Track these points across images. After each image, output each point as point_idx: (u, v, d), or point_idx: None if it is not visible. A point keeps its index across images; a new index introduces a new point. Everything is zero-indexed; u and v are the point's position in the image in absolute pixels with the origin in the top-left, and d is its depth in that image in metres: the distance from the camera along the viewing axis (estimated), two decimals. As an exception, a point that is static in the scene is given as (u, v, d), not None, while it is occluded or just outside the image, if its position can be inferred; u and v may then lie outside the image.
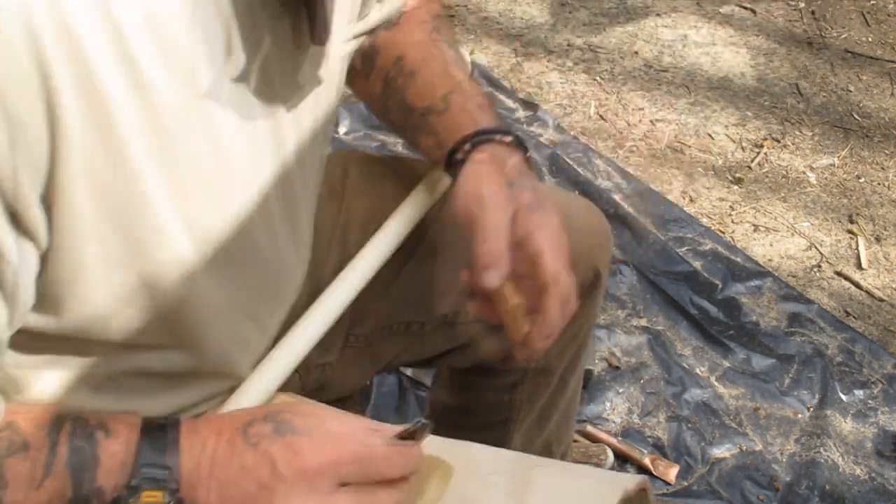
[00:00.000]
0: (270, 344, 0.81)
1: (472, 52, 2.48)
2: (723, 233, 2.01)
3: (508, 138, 0.82)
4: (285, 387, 0.80)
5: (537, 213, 0.77)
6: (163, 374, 0.72)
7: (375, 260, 0.85)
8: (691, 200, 2.10)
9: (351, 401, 1.04)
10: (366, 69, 0.94)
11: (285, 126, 0.70)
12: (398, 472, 0.61)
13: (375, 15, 0.91)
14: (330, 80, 0.77)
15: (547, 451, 1.15)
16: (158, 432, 0.59)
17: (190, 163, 0.61)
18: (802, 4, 2.79)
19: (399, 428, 0.64)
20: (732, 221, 2.05)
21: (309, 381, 0.93)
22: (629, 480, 0.71)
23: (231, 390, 0.77)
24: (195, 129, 0.60)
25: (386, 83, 0.92)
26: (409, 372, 1.64)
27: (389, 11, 0.92)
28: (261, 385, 0.77)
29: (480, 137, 0.82)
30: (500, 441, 1.10)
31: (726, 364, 1.74)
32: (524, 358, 0.79)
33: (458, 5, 2.71)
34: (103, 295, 0.61)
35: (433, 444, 0.77)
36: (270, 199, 0.71)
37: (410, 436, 0.64)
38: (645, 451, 1.56)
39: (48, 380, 0.65)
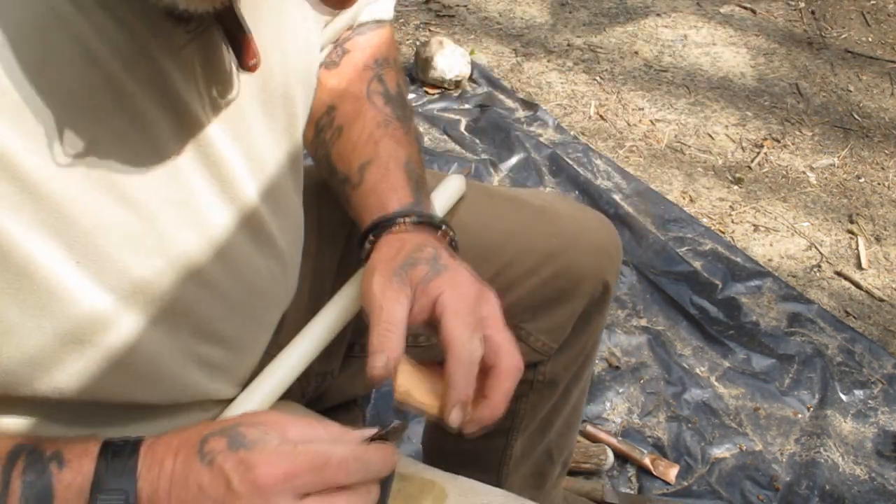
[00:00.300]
0: (259, 361, 0.81)
1: (472, 53, 2.48)
2: (723, 233, 2.01)
3: (410, 219, 0.80)
4: (285, 395, 0.80)
5: (437, 279, 0.74)
6: (137, 407, 0.72)
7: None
8: (691, 200, 2.10)
9: (353, 404, 1.04)
10: None
11: (218, 154, 0.68)
12: (358, 476, 0.60)
13: (329, 30, 0.89)
14: (283, 95, 0.75)
15: (548, 458, 1.15)
16: (116, 457, 0.58)
17: (90, 222, 0.59)
18: (802, 4, 2.79)
19: (369, 431, 0.63)
20: (732, 221, 2.06)
21: (309, 388, 0.93)
22: None
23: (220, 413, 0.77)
24: (81, 190, 0.58)
25: (316, 132, 0.90)
26: (409, 372, 1.64)
27: (340, 27, 0.90)
28: (248, 406, 0.77)
29: (383, 226, 0.81)
30: (502, 448, 1.10)
31: (726, 364, 1.74)
32: (470, 430, 0.74)
33: (458, 5, 2.71)
34: (26, 353, 0.60)
35: (427, 472, 0.77)
36: (228, 232, 0.70)
37: (382, 438, 0.63)
38: (645, 451, 1.56)
39: (12, 419, 0.65)
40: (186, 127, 0.64)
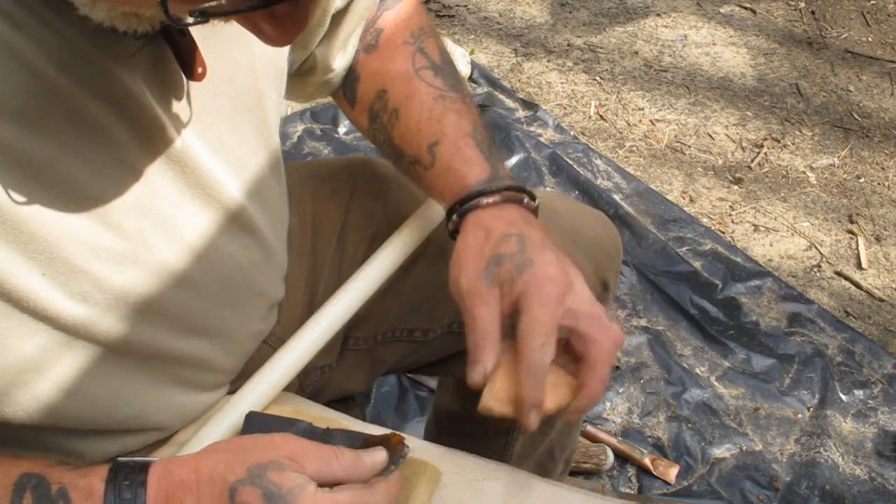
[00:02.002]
0: (251, 352, 0.81)
1: (472, 52, 2.48)
2: (723, 233, 2.01)
3: (494, 197, 0.78)
4: (285, 388, 0.80)
5: (521, 277, 0.73)
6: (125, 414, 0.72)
7: (375, 278, 0.85)
8: (691, 200, 2.10)
9: (352, 402, 1.04)
10: (348, 96, 0.91)
11: (185, 153, 0.67)
12: None
13: (347, 24, 0.88)
14: (252, 88, 0.75)
15: (549, 458, 1.15)
16: (125, 496, 0.58)
17: (51, 235, 0.59)
18: (802, 4, 2.79)
19: (378, 457, 0.66)
20: (732, 221, 2.05)
21: (308, 383, 0.93)
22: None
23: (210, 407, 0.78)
24: (37, 203, 0.57)
25: (371, 118, 0.89)
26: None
27: (355, 18, 0.88)
28: (251, 399, 0.77)
29: (467, 206, 0.79)
30: (502, 447, 1.10)
31: (726, 364, 1.74)
32: (572, 418, 0.74)
33: (458, 5, 2.71)
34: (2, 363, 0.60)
35: (423, 452, 0.77)
36: (200, 229, 0.70)
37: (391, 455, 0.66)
38: (645, 451, 1.56)
39: None
40: (146, 131, 0.63)
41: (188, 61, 0.63)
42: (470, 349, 0.72)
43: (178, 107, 0.66)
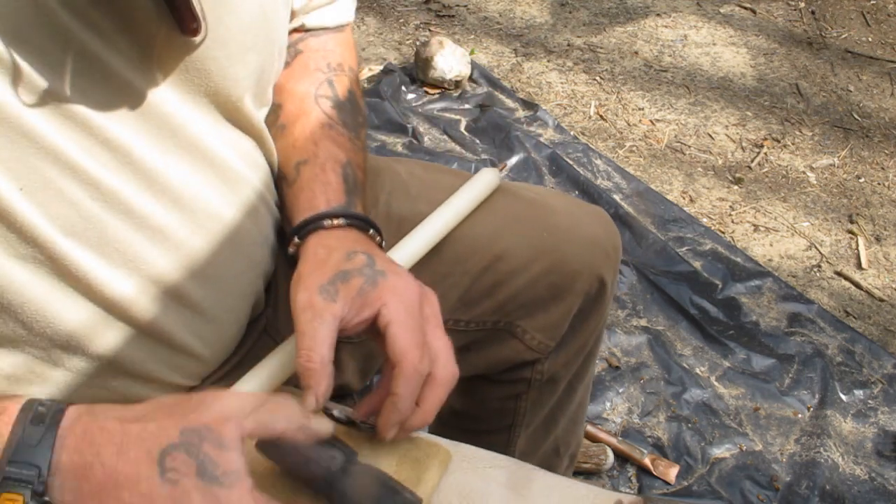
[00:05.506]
0: (241, 333, 0.81)
1: (472, 53, 2.48)
2: (723, 233, 2.01)
3: (339, 220, 0.77)
4: (287, 382, 0.80)
5: (376, 289, 0.70)
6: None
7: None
8: (691, 200, 2.10)
9: (350, 400, 1.04)
10: None
11: (163, 109, 0.67)
12: None
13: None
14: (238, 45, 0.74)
15: (554, 454, 1.14)
16: (35, 424, 0.55)
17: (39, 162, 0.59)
18: (802, 4, 2.79)
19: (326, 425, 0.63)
20: (732, 221, 2.05)
21: None
22: (625, 497, 0.73)
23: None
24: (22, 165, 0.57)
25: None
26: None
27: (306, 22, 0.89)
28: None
29: (309, 227, 0.78)
30: (505, 443, 1.09)
31: (726, 364, 1.74)
32: (398, 437, 0.72)
33: (458, 5, 2.71)
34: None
35: (432, 438, 0.78)
36: (189, 184, 0.70)
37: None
38: (645, 451, 1.56)
39: None
40: (118, 89, 0.63)
41: (184, 15, 0.62)
42: (298, 372, 0.68)
43: (161, 63, 0.66)
